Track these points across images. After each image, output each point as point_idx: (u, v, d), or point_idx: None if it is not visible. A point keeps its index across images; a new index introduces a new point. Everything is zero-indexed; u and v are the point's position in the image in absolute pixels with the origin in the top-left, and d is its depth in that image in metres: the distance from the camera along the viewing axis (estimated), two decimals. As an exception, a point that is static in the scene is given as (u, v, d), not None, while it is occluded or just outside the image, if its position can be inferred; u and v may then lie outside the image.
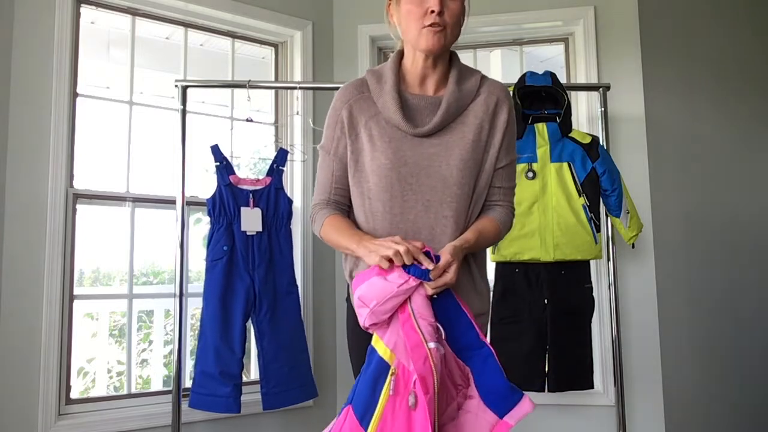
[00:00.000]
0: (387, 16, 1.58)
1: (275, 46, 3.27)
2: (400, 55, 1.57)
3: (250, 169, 3.39)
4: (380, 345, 1.36)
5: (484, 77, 1.58)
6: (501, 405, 1.36)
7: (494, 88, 1.56)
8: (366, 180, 1.52)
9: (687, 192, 3.08)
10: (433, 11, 1.42)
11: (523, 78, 2.71)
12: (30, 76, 2.46)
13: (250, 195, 2.70)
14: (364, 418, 1.32)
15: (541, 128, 2.66)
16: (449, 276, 1.37)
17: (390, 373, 1.32)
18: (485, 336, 1.45)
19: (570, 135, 2.67)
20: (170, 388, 2.60)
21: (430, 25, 1.44)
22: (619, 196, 2.63)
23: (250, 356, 2.91)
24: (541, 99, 2.73)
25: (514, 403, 1.36)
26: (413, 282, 1.36)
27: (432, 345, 1.31)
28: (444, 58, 1.54)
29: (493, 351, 1.40)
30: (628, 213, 2.64)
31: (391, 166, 1.48)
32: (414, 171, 1.49)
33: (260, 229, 2.69)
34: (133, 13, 2.85)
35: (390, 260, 1.35)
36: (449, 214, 1.48)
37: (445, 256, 1.38)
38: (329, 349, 3.06)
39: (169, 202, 2.74)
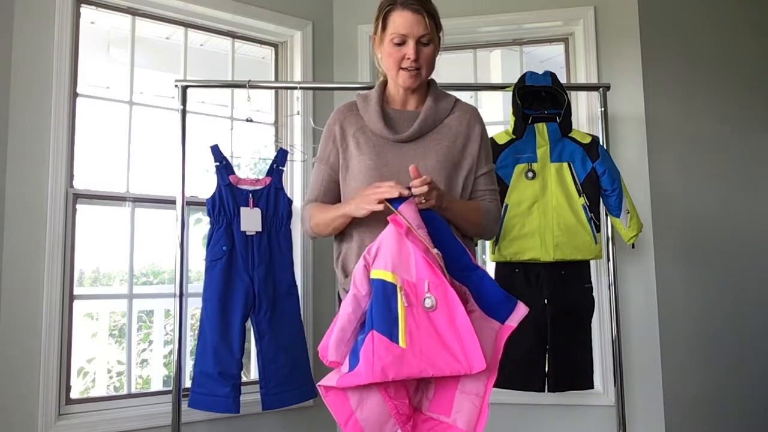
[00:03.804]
0: (373, 50, 1.80)
1: (275, 46, 3.27)
2: (385, 82, 1.81)
3: (250, 169, 3.39)
4: (380, 273, 1.47)
5: (458, 100, 1.82)
6: (501, 312, 1.51)
7: (467, 108, 1.82)
8: (354, 179, 1.74)
9: (687, 192, 3.08)
10: (409, 58, 1.67)
11: (523, 78, 2.71)
12: (30, 76, 2.46)
13: (250, 195, 2.70)
14: (392, 335, 1.42)
15: (541, 128, 2.66)
16: (427, 187, 1.52)
17: (398, 289, 1.44)
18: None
19: (570, 135, 2.67)
20: (170, 388, 2.60)
21: (407, 68, 1.68)
22: (619, 196, 2.63)
23: (250, 356, 2.91)
24: (541, 99, 2.72)
25: (512, 308, 1.52)
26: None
27: (436, 250, 1.45)
28: (422, 86, 1.78)
29: (486, 272, 1.54)
30: (628, 213, 2.64)
31: (375, 166, 1.70)
32: (394, 171, 1.69)
33: (260, 229, 2.69)
34: (133, 13, 2.85)
35: (381, 203, 1.53)
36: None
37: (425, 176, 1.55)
38: (329, 349, 3.05)
39: (169, 202, 2.74)
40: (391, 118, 1.76)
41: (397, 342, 1.40)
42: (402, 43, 1.67)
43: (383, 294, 1.45)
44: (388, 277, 1.46)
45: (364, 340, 1.44)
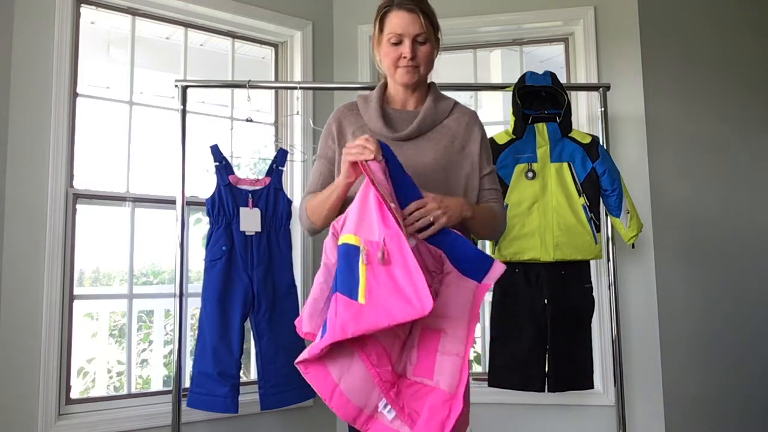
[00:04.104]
0: (373, 52, 1.81)
1: (275, 46, 3.27)
2: (385, 84, 1.83)
3: (250, 169, 3.39)
4: (345, 237, 1.48)
5: (457, 103, 1.84)
6: (477, 271, 1.48)
7: (466, 111, 1.83)
8: None
9: (687, 192, 3.08)
10: (405, 56, 1.70)
11: (523, 78, 2.71)
12: (30, 76, 2.46)
13: (249, 195, 2.70)
14: (352, 293, 1.43)
15: (541, 128, 2.66)
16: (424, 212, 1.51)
17: (361, 250, 1.44)
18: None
19: (570, 135, 2.67)
20: (170, 388, 2.60)
21: (404, 66, 1.71)
22: (619, 196, 2.63)
23: (249, 356, 2.91)
24: (541, 99, 2.72)
25: (488, 267, 1.48)
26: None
27: (394, 205, 1.44)
28: (422, 87, 1.80)
29: (460, 234, 1.52)
30: (628, 213, 2.64)
31: None
32: None
33: (259, 230, 2.68)
34: (133, 13, 2.85)
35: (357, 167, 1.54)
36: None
37: (426, 197, 1.54)
38: (329, 349, 3.05)
39: (169, 202, 2.74)
40: (391, 118, 1.78)
41: (357, 299, 1.41)
42: (399, 43, 1.70)
43: (347, 257, 1.46)
44: (352, 240, 1.47)
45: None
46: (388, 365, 1.46)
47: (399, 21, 1.69)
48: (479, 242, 2.77)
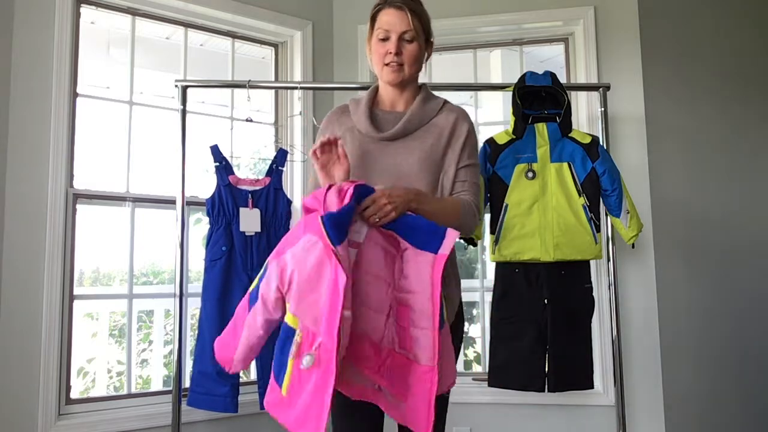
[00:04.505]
0: (367, 54, 1.86)
1: (275, 46, 3.27)
2: (377, 88, 1.88)
3: (250, 169, 3.39)
4: (288, 316, 1.46)
5: (446, 102, 1.84)
6: (431, 243, 1.48)
7: (455, 109, 1.83)
8: None
9: (687, 192, 3.08)
10: (390, 52, 1.74)
11: (523, 78, 2.71)
12: (30, 76, 2.46)
13: (249, 195, 2.70)
14: (278, 378, 1.47)
15: (541, 128, 2.66)
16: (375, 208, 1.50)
17: (295, 335, 1.42)
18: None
19: (570, 135, 2.67)
20: (170, 388, 2.60)
21: (389, 64, 1.75)
22: (619, 196, 2.63)
23: (249, 356, 2.91)
24: (541, 99, 2.72)
25: (442, 237, 1.47)
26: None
27: (347, 313, 1.40)
28: (411, 87, 1.82)
29: (411, 213, 1.54)
30: (628, 213, 2.64)
31: (357, 164, 1.72)
32: (377, 168, 1.73)
33: (259, 230, 2.68)
34: (133, 13, 2.85)
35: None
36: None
37: (378, 191, 1.53)
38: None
39: (169, 202, 2.74)
40: (379, 118, 1.81)
41: (281, 388, 1.45)
42: (386, 39, 1.74)
43: (284, 338, 1.46)
44: (290, 321, 1.45)
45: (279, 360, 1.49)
46: (372, 357, 1.49)
47: (388, 18, 1.74)
48: (478, 242, 2.77)
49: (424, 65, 1.81)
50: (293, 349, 1.41)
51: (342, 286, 1.35)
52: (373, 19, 1.79)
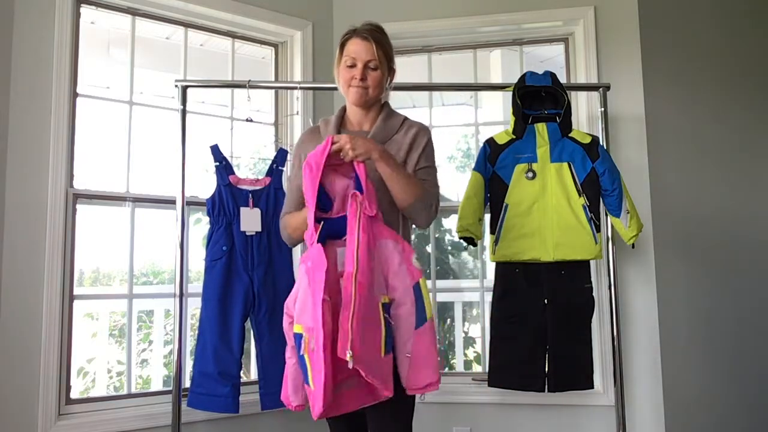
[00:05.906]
0: (336, 78, 2.02)
1: (275, 46, 3.27)
2: (344, 109, 2.05)
3: (250, 169, 3.39)
4: (296, 326, 1.73)
5: (406, 119, 2.03)
6: None
7: (414, 124, 2.02)
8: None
9: (687, 192, 3.08)
10: (356, 77, 1.92)
11: (523, 78, 2.71)
12: (30, 76, 2.46)
13: (250, 195, 2.70)
14: (306, 378, 1.69)
15: (541, 128, 2.66)
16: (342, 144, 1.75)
17: (303, 339, 1.68)
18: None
19: (570, 135, 2.67)
20: (170, 388, 2.60)
21: (355, 86, 1.93)
22: (619, 196, 2.63)
23: (249, 356, 2.91)
24: (541, 99, 2.72)
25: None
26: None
27: (326, 297, 1.62)
28: (375, 107, 2.01)
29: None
30: (628, 213, 2.64)
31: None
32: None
33: (259, 230, 2.68)
34: (133, 13, 2.85)
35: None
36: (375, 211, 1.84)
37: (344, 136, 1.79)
38: (329, 349, 3.05)
39: (169, 202, 2.74)
40: None
41: (309, 384, 1.66)
42: (353, 66, 1.93)
43: (299, 345, 1.71)
44: (298, 329, 1.71)
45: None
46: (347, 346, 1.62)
47: (354, 47, 1.93)
48: (478, 242, 2.77)
49: (386, 88, 1.99)
50: (303, 345, 1.66)
51: (322, 276, 1.61)
52: (342, 47, 1.97)
